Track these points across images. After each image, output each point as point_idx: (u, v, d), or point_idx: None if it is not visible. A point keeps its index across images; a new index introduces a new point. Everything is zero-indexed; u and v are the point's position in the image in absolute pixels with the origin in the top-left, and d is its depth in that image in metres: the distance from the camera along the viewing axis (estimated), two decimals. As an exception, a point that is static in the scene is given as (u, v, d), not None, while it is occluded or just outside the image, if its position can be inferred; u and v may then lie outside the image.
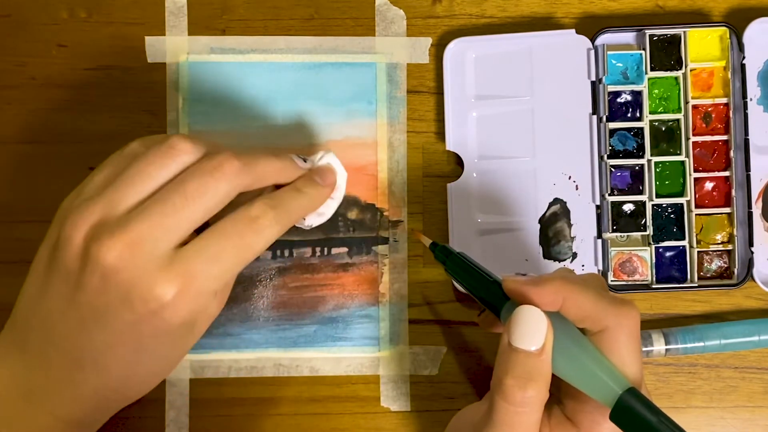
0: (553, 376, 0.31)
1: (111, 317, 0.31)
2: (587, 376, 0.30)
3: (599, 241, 0.42)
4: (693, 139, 0.42)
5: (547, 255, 0.42)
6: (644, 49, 0.42)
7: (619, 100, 0.42)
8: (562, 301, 0.31)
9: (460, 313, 0.43)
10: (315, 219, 0.37)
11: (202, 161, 0.32)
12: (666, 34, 0.42)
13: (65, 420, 0.33)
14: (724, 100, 0.42)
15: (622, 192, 0.42)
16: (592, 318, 0.31)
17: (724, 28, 0.42)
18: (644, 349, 0.41)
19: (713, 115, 0.43)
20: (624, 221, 0.42)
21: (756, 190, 0.42)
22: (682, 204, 0.42)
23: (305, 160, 0.37)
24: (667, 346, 0.41)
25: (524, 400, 0.30)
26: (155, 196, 0.31)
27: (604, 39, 0.42)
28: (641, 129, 0.42)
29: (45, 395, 0.32)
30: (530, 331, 0.30)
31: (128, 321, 0.31)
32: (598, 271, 0.42)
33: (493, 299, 0.34)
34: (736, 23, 0.42)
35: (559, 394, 0.34)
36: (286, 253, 0.43)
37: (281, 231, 0.33)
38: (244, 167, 0.32)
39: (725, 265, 0.42)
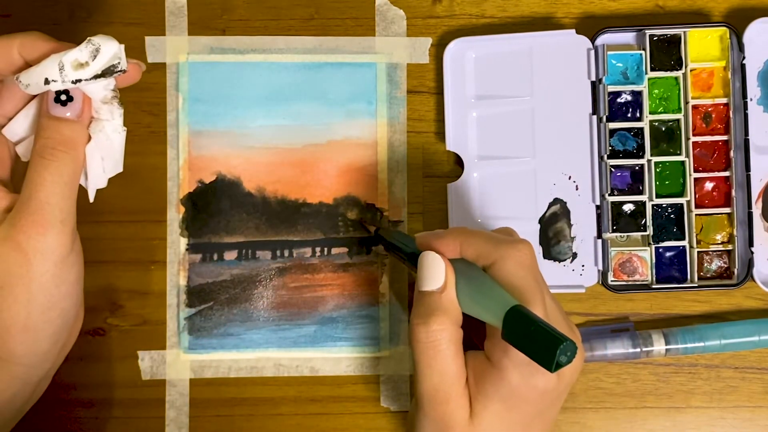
0: (476, 323, 0.33)
1: None
2: (484, 305, 0.32)
3: (599, 241, 0.42)
4: (693, 139, 0.42)
5: (547, 255, 0.42)
6: (644, 49, 0.42)
7: (619, 100, 0.42)
8: (459, 246, 0.34)
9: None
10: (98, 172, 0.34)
11: None
12: (666, 34, 0.42)
13: None
14: (724, 100, 0.42)
15: (622, 192, 0.42)
16: (484, 255, 0.34)
17: (724, 28, 0.42)
18: (644, 349, 0.41)
19: (713, 115, 0.43)
20: (624, 221, 0.42)
21: (756, 190, 0.42)
22: (682, 204, 0.42)
23: (47, 81, 0.31)
24: (667, 346, 0.41)
25: (429, 335, 0.32)
26: None
27: (604, 39, 0.42)
28: (641, 129, 0.42)
29: None
30: (431, 273, 0.34)
31: None
32: (598, 271, 0.42)
33: (411, 256, 0.36)
34: (736, 23, 0.42)
35: (481, 340, 0.35)
36: (286, 253, 0.43)
37: None
38: None
39: (725, 265, 0.42)
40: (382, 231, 0.41)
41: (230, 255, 0.42)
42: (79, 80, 0.31)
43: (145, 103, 0.43)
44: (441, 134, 0.43)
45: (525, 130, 0.43)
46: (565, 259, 0.42)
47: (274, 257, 0.43)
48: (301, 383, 0.42)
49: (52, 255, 0.32)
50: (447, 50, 0.42)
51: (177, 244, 0.42)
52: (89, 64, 0.32)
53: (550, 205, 0.43)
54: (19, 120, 0.33)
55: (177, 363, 0.42)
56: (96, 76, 0.32)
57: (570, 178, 0.43)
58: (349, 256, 0.43)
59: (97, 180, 0.34)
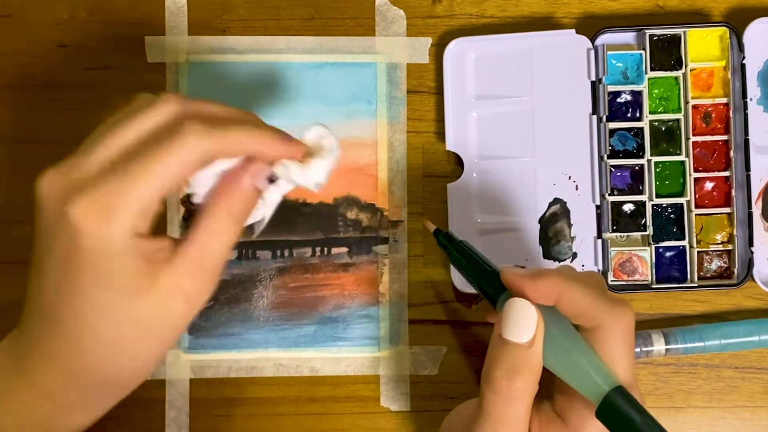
0: (546, 371, 0.31)
1: (76, 278, 0.29)
2: (577, 371, 0.30)
3: (599, 241, 0.42)
4: (693, 139, 0.42)
5: (547, 255, 0.42)
6: (644, 49, 0.42)
7: (619, 100, 0.42)
8: (557, 296, 0.31)
9: (460, 313, 0.43)
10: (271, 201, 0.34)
11: (169, 121, 0.30)
12: (666, 34, 0.42)
13: (48, 397, 0.32)
14: (724, 100, 0.42)
15: (622, 192, 0.42)
16: (587, 315, 0.31)
17: (724, 28, 0.42)
18: (644, 349, 0.41)
19: (713, 115, 0.43)
20: (624, 221, 0.42)
21: (756, 190, 0.42)
22: (682, 204, 0.42)
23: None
24: (667, 346, 0.41)
25: (511, 392, 0.30)
26: (124, 155, 0.30)
27: (604, 39, 0.42)
28: (641, 129, 0.42)
29: (28, 368, 0.31)
30: (521, 323, 0.31)
31: (89, 282, 0.29)
32: (598, 270, 0.42)
33: (491, 289, 0.34)
34: (736, 23, 0.42)
35: (551, 389, 0.34)
36: (286, 253, 0.43)
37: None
38: (209, 132, 0.29)
39: (725, 265, 0.42)
40: (456, 244, 0.37)
41: (230, 255, 0.42)
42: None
43: (145, 103, 0.43)
44: (441, 134, 0.43)
45: (525, 130, 0.43)
46: (565, 259, 0.42)
47: (274, 257, 0.43)
48: (301, 383, 0.42)
49: (199, 308, 0.31)
50: (447, 50, 0.42)
51: (177, 244, 0.42)
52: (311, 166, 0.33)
53: (550, 205, 0.43)
54: (208, 175, 0.33)
55: (177, 363, 0.42)
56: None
57: (570, 178, 0.43)
58: (349, 256, 0.43)
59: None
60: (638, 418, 0.29)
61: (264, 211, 0.34)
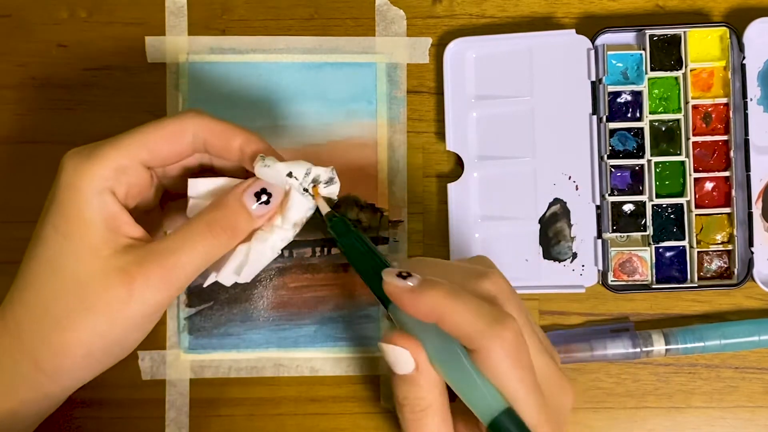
0: None
1: (53, 214, 0.32)
2: (467, 393, 0.30)
3: (599, 241, 0.42)
4: (693, 139, 0.42)
5: (547, 255, 0.42)
6: (644, 49, 0.42)
7: (619, 100, 0.42)
8: (437, 316, 0.30)
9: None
10: (237, 269, 0.34)
11: None
12: (666, 34, 0.42)
13: (42, 368, 0.33)
14: (724, 100, 0.42)
15: (622, 192, 0.42)
16: (467, 338, 0.30)
17: (724, 28, 0.42)
18: (644, 349, 0.41)
19: (713, 115, 0.43)
20: (624, 221, 0.42)
21: (756, 190, 0.42)
22: (682, 204, 0.42)
23: (291, 175, 0.33)
24: (667, 346, 0.41)
25: (415, 416, 0.31)
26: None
27: (604, 39, 0.42)
28: (641, 129, 0.42)
29: (20, 338, 0.32)
30: (398, 359, 0.31)
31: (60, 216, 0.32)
32: (598, 271, 0.42)
33: (381, 293, 0.32)
34: (736, 23, 0.42)
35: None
36: (286, 253, 0.43)
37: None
38: (200, 112, 0.34)
39: (725, 265, 0.42)
40: (351, 235, 0.34)
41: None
42: (308, 192, 0.34)
43: (145, 103, 0.43)
44: (441, 134, 0.43)
45: (525, 130, 0.43)
46: (565, 259, 0.42)
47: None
48: (301, 383, 0.42)
49: (149, 309, 0.32)
50: (447, 50, 0.42)
51: (177, 244, 0.42)
52: (322, 185, 0.34)
53: (550, 205, 0.43)
54: (207, 183, 0.34)
55: (177, 363, 0.42)
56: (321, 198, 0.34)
57: (570, 178, 0.43)
58: (349, 256, 0.43)
59: (225, 276, 0.34)
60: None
61: (246, 259, 0.34)
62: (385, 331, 0.33)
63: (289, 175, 0.33)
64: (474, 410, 0.30)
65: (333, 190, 0.35)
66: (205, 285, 0.36)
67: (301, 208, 0.34)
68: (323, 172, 0.34)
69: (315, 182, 0.34)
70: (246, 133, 0.34)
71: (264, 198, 0.33)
